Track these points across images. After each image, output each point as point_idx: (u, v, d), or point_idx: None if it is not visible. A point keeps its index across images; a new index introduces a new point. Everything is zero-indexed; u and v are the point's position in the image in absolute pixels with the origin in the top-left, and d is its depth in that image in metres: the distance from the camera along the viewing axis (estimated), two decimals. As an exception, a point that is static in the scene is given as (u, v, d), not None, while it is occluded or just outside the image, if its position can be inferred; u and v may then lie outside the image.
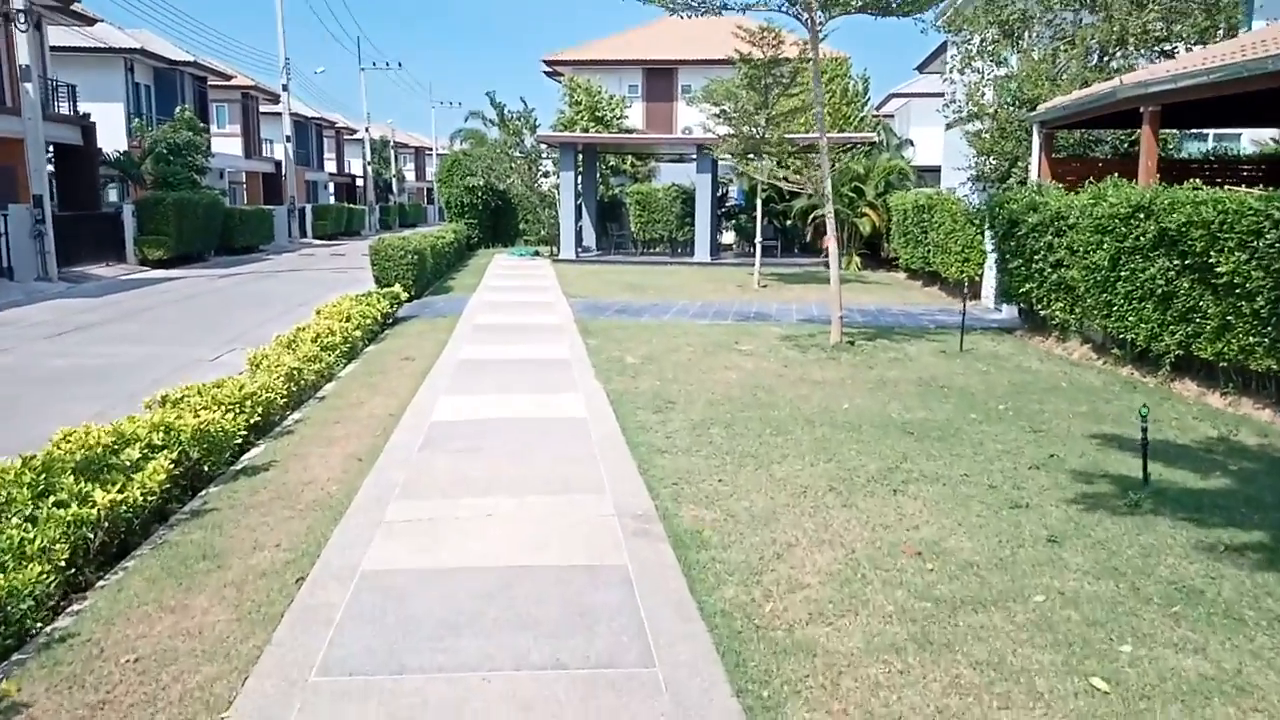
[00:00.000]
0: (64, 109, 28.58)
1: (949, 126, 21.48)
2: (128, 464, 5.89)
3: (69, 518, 5.01)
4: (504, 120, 31.41)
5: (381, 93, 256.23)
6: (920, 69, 33.49)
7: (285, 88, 43.32)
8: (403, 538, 5.38)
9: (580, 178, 28.11)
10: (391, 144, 73.94)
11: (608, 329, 13.74)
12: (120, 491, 5.46)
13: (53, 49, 29.33)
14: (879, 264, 25.03)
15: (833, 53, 30.58)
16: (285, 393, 8.79)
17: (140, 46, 34.85)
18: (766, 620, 4.32)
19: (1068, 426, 7.93)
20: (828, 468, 6.71)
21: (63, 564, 4.79)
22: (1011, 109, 17.67)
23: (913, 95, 40.69)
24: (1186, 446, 7.40)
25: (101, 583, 5.01)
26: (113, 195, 32.98)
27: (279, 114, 45.05)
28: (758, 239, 21.76)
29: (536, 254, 29.56)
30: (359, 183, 67.52)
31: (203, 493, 6.51)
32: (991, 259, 15.66)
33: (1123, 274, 10.22)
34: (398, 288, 16.06)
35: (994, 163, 18.47)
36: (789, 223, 28.14)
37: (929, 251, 19.53)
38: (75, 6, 28.03)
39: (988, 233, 15.36)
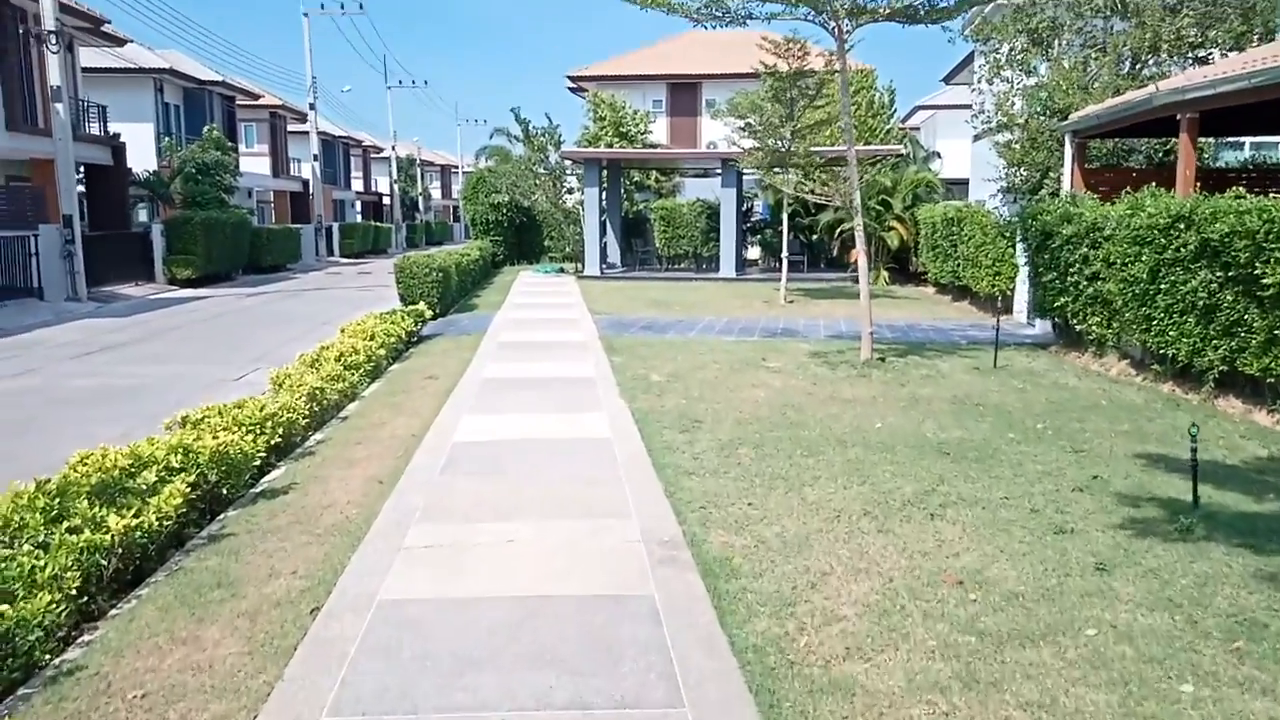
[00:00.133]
0: (95, 129, 28.91)
1: (977, 138, 21.21)
2: (144, 488, 5.78)
3: (82, 544, 4.88)
4: (529, 136, 31.44)
5: (408, 111, 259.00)
6: (947, 80, 33.18)
7: (312, 106, 43.75)
8: (421, 565, 5.21)
9: (605, 194, 28.04)
10: (418, 162, 74.46)
11: (632, 346, 13.57)
12: (136, 516, 5.34)
13: (84, 70, 29.72)
14: (907, 278, 24.72)
15: (859, 64, 30.35)
16: (307, 413, 8.68)
17: (170, 67, 35.27)
18: (801, 656, 4.10)
19: (1110, 446, 7.64)
20: (861, 490, 6.48)
21: (74, 592, 4.66)
22: (1042, 119, 17.38)
23: (939, 107, 40.37)
24: (1235, 467, 7.10)
25: (114, 611, 4.87)
26: (143, 215, 33.31)
27: (306, 133, 45.52)
28: (784, 253, 21.54)
29: (561, 270, 29.50)
30: (385, 201, 68.02)
31: (221, 516, 6.39)
32: (1024, 272, 15.35)
33: (1163, 287, 9.92)
34: (422, 305, 15.99)
35: (1025, 174, 18.17)
36: (815, 237, 27.90)
37: (958, 265, 19.22)
38: (106, 28, 28.38)
39: (1019, 245, 15.05)
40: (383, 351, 12.21)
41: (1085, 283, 11.76)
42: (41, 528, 4.97)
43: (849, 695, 3.78)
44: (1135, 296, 10.45)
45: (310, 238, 42.29)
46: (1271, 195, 9.32)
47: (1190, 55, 16.53)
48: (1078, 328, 12.29)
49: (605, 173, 28.07)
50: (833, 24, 12.01)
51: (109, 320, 19.58)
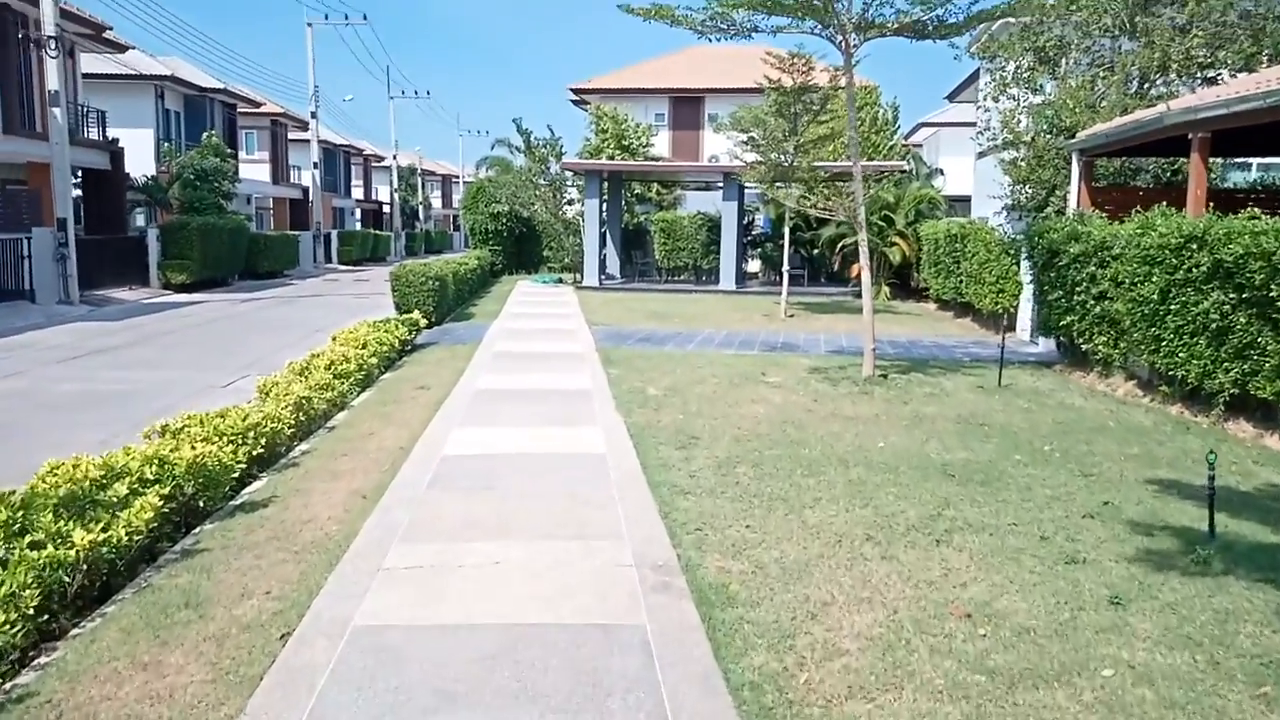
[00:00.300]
0: (94, 134, 28.74)
1: (981, 155, 21.02)
2: (115, 500, 5.52)
3: (44, 560, 4.63)
4: (530, 147, 31.28)
5: (410, 121, 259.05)
6: (950, 98, 33.08)
7: (314, 115, 43.62)
8: (401, 587, 4.95)
9: (605, 205, 27.85)
10: (419, 171, 74.38)
11: (630, 358, 13.33)
12: (104, 531, 5.08)
13: (85, 76, 29.58)
14: (908, 294, 24.51)
15: (863, 81, 30.22)
16: (293, 422, 8.43)
17: (170, 74, 35.16)
18: (800, 694, 3.85)
19: (1120, 470, 7.39)
20: (864, 513, 6.22)
21: (30, 612, 4.40)
22: (1049, 136, 17.19)
23: (942, 125, 40.30)
24: (1250, 494, 6.85)
25: (76, 631, 4.62)
26: (140, 220, 33.13)
27: (307, 141, 45.38)
28: (785, 267, 21.32)
29: (560, 281, 29.29)
30: (385, 209, 67.90)
31: (196, 530, 6.13)
32: (1029, 290, 15.12)
33: (1173, 307, 9.68)
34: (417, 314, 15.73)
35: (1030, 191, 17.96)
36: (816, 251, 27.70)
37: (961, 282, 19.00)
38: (107, 34, 28.24)
39: (1025, 263, 14.83)
40: (375, 360, 11.97)
41: (1092, 302, 11.53)
42: (1, 542, 4.72)
43: (852, 739, 3.52)
44: (1144, 317, 10.22)
45: (309, 244, 42.08)
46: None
47: (1199, 76, 16.35)
48: (1084, 347, 12.06)
49: (606, 184, 27.89)
50: (840, 38, 11.81)
51: (100, 324, 19.33)
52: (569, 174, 30.91)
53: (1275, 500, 6.71)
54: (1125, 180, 17.85)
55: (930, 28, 11.78)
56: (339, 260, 47.24)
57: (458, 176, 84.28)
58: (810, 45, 25.77)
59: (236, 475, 6.85)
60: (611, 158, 31.50)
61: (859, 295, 12.51)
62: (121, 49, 30.88)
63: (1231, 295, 8.83)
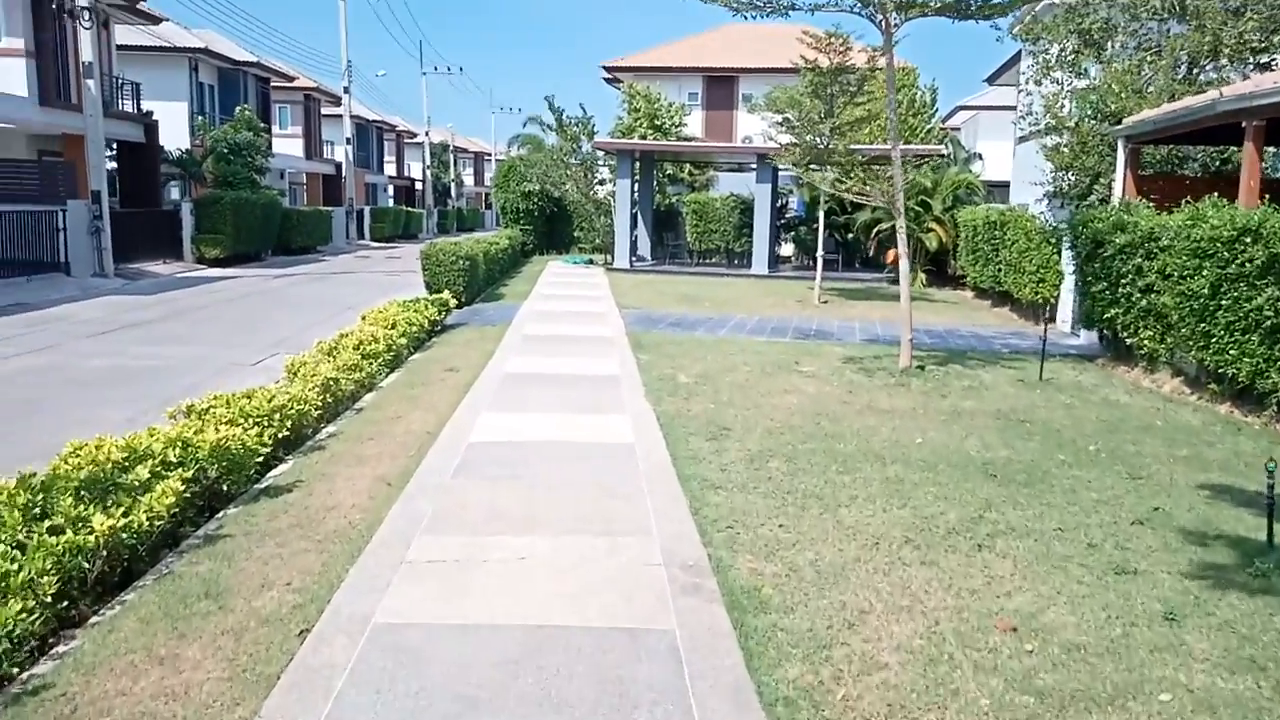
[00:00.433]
0: (128, 107, 28.83)
1: (1022, 140, 20.54)
2: (136, 484, 5.43)
3: (62, 546, 4.54)
4: (562, 126, 31.04)
5: (442, 97, 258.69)
6: (990, 81, 32.36)
7: (347, 90, 43.59)
8: (424, 582, 4.82)
9: (636, 186, 27.58)
10: (451, 148, 74.32)
11: (660, 343, 13.14)
12: (125, 516, 4.98)
13: (119, 47, 29.65)
14: (944, 281, 24.07)
15: (901, 63, 29.66)
16: (320, 404, 8.33)
17: (205, 46, 35.19)
18: (838, 713, 3.66)
19: (1169, 473, 7.11)
20: (902, 514, 6.01)
21: (49, 599, 4.32)
22: (1093, 122, 16.70)
23: (981, 108, 39.55)
24: (1308, 502, 6.55)
25: (95, 619, 4.53)
26: (175, 193, 33.29)
27: (340, 116, 45.40)
28: (819, 252, 20.97)
29: (590, 262, 29.10)
30: (418, 186, 67.95)
31: (220, 514, 6.04)
32: (1070, 281, 14.72)
33: (1224, 303, 9.34)
34: (447, 294, 15.62)
35: (1073, 178, 17.48)
36: (850, 236, 27.26)
37: (1000, 270, 18.59)
38: (141, 6, 28.29)
39: (1067, 253, 14.44)
40: (404, 340, 11.86)
41: (1138, 294, 11.17)
42: (20, 527, 4.63)
43: (893, 763, 3.34)
44: (1193, 311, 9.87)
45: (341, 220, 42.17)
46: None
47: (1252, 61, 15.79)
48: (1128, 341, 11.71)
49: (638, 164, 27.60)
50: (879, 17, 11.48)
51: (134, 298, 19.42)
52: (600, 153, 30.65)
53: (1334, 509, 6.40)
54: (1172, 169, 17.34)
55: (974, 7, 11.41)
56: (371, 237, 47.33)
57: (489, 154, 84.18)
58: (848, 25, 25.30)
59: (261, 458, 6.74)
60: (644, 137, 31.20)
61: (894, 281, 12.23)
62: (155, 21, 30.93)
63: (1289, 292, 8.48)
